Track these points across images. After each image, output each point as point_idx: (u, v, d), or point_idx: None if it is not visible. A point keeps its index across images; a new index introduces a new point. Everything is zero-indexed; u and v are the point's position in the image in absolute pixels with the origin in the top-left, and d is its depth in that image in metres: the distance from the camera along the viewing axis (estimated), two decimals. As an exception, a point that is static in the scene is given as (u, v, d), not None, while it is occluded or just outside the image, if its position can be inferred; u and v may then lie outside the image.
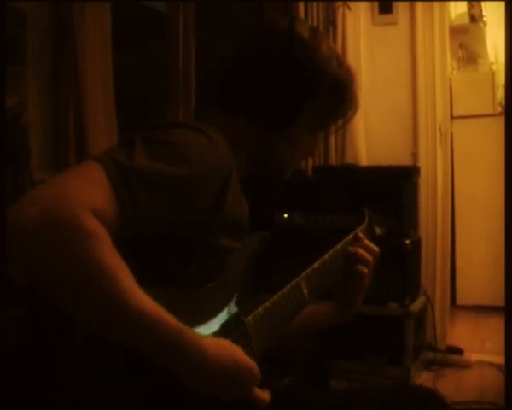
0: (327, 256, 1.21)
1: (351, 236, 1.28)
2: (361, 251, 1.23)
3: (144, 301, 0.78)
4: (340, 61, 1.13)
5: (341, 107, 1.15)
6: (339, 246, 1.25)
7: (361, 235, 1.27)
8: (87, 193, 0.78)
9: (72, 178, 0.81)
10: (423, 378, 2.80)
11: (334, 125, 1.21)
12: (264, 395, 0.94)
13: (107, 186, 0.80)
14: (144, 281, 0.80)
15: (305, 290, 1.14)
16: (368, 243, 1.26)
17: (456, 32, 3.72)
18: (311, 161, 3.28)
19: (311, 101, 1.09)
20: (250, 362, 0.90)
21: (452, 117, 3.72)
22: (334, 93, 1.12)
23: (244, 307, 1.04)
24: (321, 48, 1.09)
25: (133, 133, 0.91)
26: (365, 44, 3.34)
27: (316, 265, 1.19)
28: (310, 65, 1.07)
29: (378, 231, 1.40)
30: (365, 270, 1.23)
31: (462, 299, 3.94)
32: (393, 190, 2.71)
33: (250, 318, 1.02)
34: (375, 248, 1.26)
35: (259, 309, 1.04)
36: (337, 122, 1.20)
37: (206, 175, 0.92)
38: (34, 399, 0.82)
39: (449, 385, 2.71)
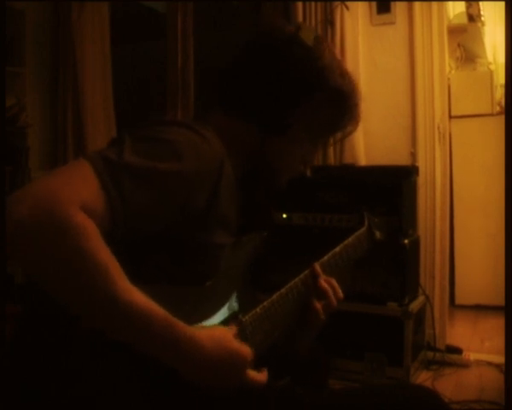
0: (326, 258, 1.21)
1: (307, 271, 1.17)
2: (332, 297, 1.14)
3: (134, 294, 0.78)
4: (344, 72, 1.13)
5: (341, 117, 1.14)
6: (337, 249, 1.25)
7: (318, 270, 1.17)
8: (76, 189, 0.79)
9: (62, 175, 0.82)
10: (422, 378, 2.80)
11: (334, 136, 1.20)
12: (261, 376, 0.95)
13: (95, 183, 0.81)
14: (141, 279, 0.80)
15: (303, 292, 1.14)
16: (334, 282, 1.16)
17: (455, 31, 3.72)
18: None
19: (308, 105, 1.09)
20: (241, 347, 0.91)
21: (451, 116, 3.72)
22: (333, 102, 1.11)
23: (242, 307, 1.04)
24: (324, 56, 1.09)
25: (124, 132, 0.91)
26: (363, 44, 3.34)
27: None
28: (308, 69, 1.07)
29: (378, 235, 1.39)
30: (323, 318, 1.14)
31: (461, 298, 3.95)
32: (392, 189, 2.71)
33: (247, 317, 1.02)
34: (340, 294, 1.16)
35: (257, 309, 1.04)
36: (336, 133, 1.19)
37: (198, 172, 0.92)
38: (34, 398, 0.82)
39: (448, 384, 2.71)
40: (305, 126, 1.11)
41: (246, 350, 0.91)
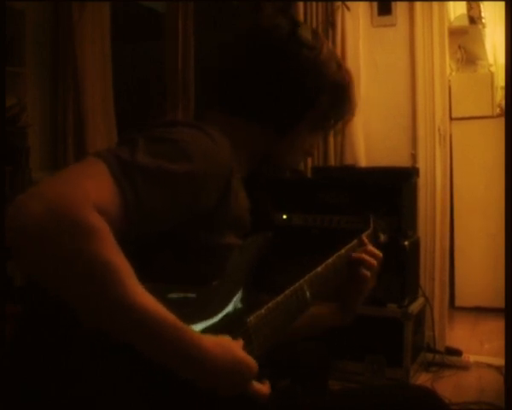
0: (330, 261, 1.22)
1: (355, 241, 1.30)
2: (366, 257, 1.26)
3: (145, 298, 0.77)
4: (339, 63, 1.16)
5: (340, 108, 1.17)
6: (343, 251, 1.27)
7: (365, 240, 1.30)
8: (90, 189, 0.77)
9: (75, 174, 0.80)
10: (422, 379, 2.80)
11: (334, 126, 1.23)
12: (264, 388, 0.95)
13: (110, 182, 0.79)
14: (148, 279, 0.79)
15: (308, 294, 1.15)
16: (372, 248, 1.29)
17: (455, 33, 3.73)
18: (310, 161, 3.28)
19: (310, 103, 1.10)
20: (247, 358, 0.91)
21: (451, 118, 3.73)
22: (333, 95, 1.14)
23: (246, 307, 1.04)
24: (322, 51, 1.11)
25: (134, 133, 0.91)
26: (364, 45, 3.34)
27: (319, 269, 1.20)
28: (314, 70, 1.09)
29: (382, 237, 1.42)
30: (369, 274, 1.26)
31: (460, 300, 3.95)
32: (392, 191, 2.71)
33: (252, 318, 1.02)
34: (379, 254, 1.29)
35: (262, 310, 1.04)
36: (336, 123, 1.22)
37: (209, 172, 0.92)
38: (34, 398, 0.82)
39: (447, 386, 2.71)
40: (307, 123, 1.13)
41: (252, 361, 0.91)
